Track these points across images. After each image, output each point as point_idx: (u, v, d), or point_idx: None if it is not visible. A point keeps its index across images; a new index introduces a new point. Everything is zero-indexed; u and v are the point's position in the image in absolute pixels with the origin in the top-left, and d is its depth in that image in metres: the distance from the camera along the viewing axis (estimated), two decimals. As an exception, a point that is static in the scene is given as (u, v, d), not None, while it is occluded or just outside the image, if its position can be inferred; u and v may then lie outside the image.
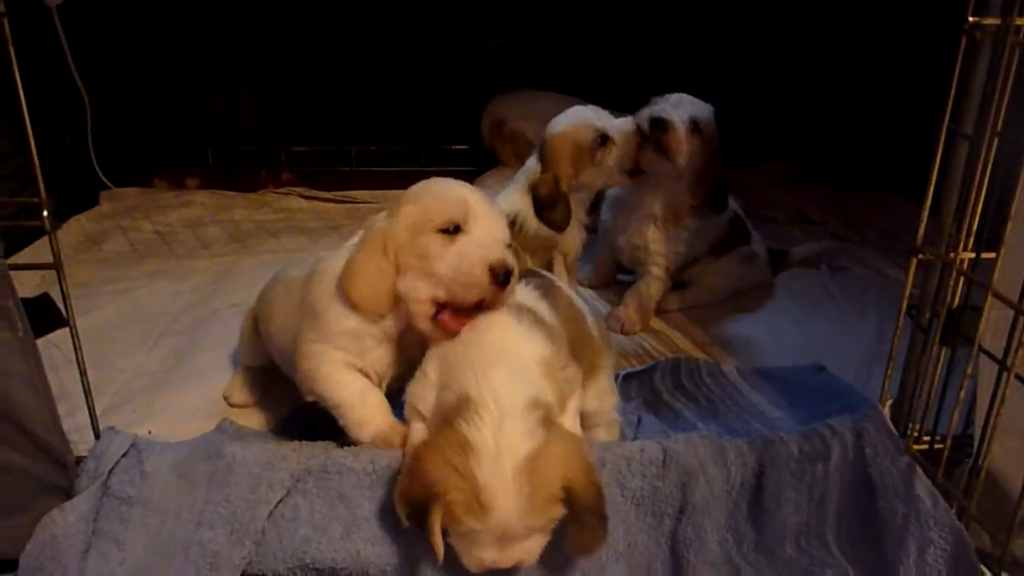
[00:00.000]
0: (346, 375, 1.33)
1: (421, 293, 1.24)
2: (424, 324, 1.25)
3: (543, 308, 1.32)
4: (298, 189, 2.87)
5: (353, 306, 1.28)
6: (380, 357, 1.34)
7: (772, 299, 2.17)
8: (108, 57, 2.76)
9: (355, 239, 1.35)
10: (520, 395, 1.11)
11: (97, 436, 1.33)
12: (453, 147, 2.90)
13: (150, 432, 1.49)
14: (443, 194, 1.28)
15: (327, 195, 2.84)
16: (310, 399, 1.36)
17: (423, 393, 1.22)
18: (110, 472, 1.25)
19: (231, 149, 2.92)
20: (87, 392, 1.31)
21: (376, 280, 1.26)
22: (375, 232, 1.28)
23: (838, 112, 2.79)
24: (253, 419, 1.63)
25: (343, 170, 2.90)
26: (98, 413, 1.37)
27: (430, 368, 1.23)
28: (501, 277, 1.22)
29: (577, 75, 2.79)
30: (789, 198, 2.72)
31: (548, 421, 1.11)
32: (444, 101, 2.89)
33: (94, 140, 2.75)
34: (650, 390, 1.72)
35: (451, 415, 1.11)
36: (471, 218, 1.24)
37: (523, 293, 1.33)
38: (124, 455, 1.27)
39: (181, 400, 1.70)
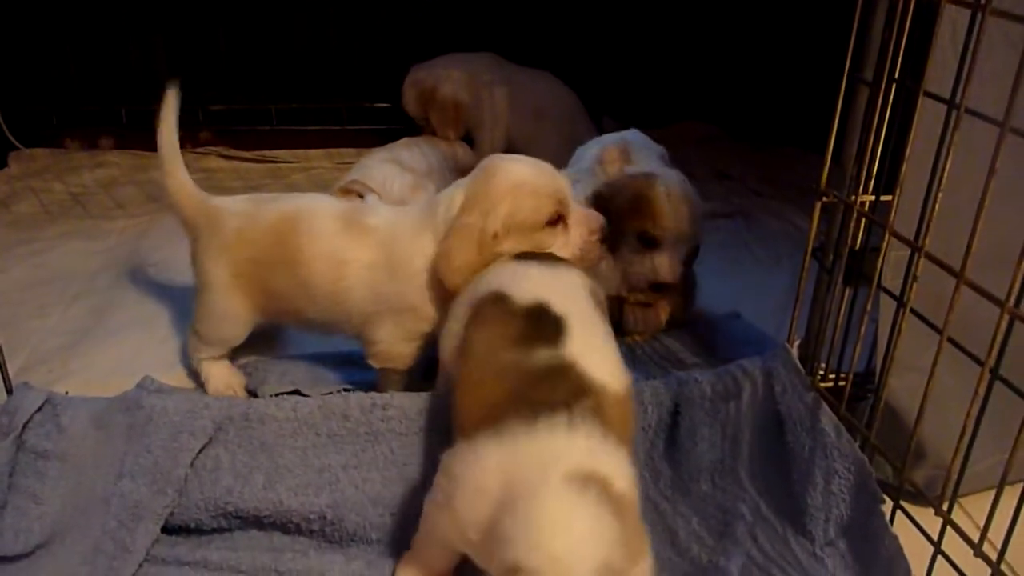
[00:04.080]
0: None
1: None
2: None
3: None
4: (217, 149, 2.79)
5: (450, 288, 1.32)
6: None
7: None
8: (11, 9, 2.63)
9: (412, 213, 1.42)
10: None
11: (10, 392, 1.30)
12: (375, 105, 2.87)
13: (67, 392, 1.46)
14: (539, 187, 1.33)
15: (247, 155, 2.78)
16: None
17: None
18: (24, 427, 1.23)
19: (146, 108, 2.80)
20: (-3, 347, 1.28)
21: (471, 272, 1.30)
22: (471, 229, 1.30)
23: (752, 69, 2.84)
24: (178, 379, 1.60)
25: (263, 129, 2.83)
26: (11, 375, 1.34)
27: None
28: (606, 236, 1.40)
29: (496, 30, 2.78)
30: (708, 155, 2.77)
31: None
32: (364, 58, 2.85)
33: (0, 99, 2.63)
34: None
35: None
36: (567, 203, 1.35)
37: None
38: (39, 410, 1.25)
39: (98, 360, 1.67)
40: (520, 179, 1.33)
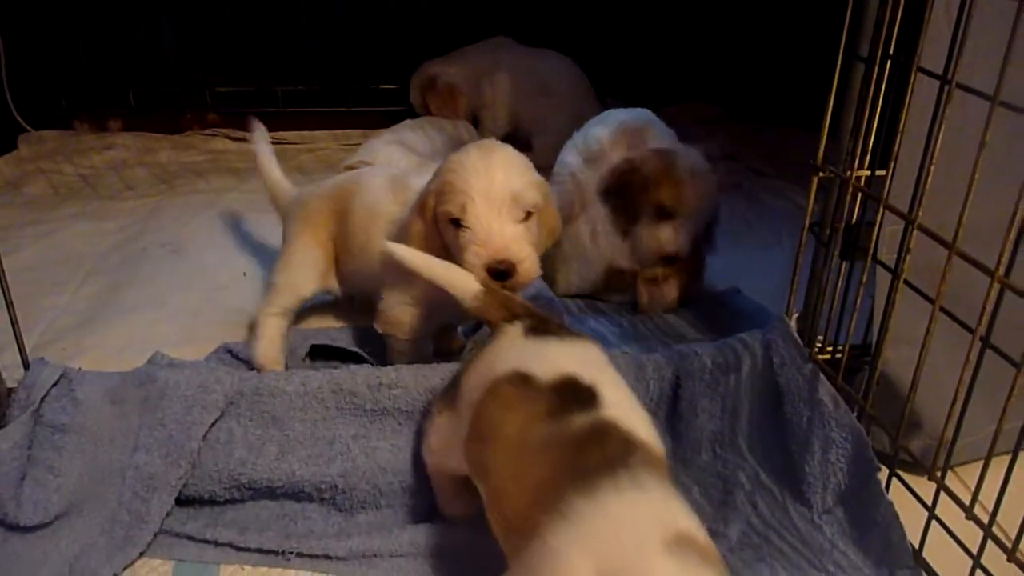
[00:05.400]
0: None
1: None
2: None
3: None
4: (224, 130, 2.82)
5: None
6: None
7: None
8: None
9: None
10: None
11: (27, 368, 1.33)
12: (381, 87, 2.89)
13: (80, 369, 1.50)
14: (452, 182, 1.27)
15: (254, 136, 2.81)
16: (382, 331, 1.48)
17: None
18: (42, 401, 1.26)
19: (154, 91, 2.86)
20: (14, 323, 1.30)
21: (417, 241, 1.33)
22: (421, 196, 1.36)
23: (754, 50, 2.86)
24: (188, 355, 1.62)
25: (270, 111, 2.84)
26: (26, 352, 1.37)
27: None
28: (499, 275, 1.23)
29: (502, 10, 2.80)
30: (711, 135, 2.78)
31: None
32: (370, 39, 2.87)
33: (9, 82, 2.66)
34: (572, 316, 1.79)
35: None
36: (468, 213, 1.25)
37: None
38: (55, 384, 1.28)
39: (111, 337, 1.70)
40: (455, 165, 1.29)
